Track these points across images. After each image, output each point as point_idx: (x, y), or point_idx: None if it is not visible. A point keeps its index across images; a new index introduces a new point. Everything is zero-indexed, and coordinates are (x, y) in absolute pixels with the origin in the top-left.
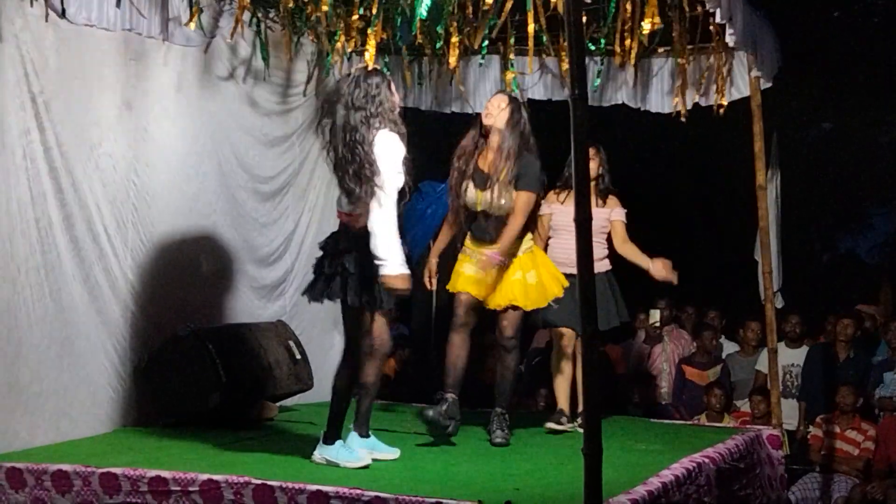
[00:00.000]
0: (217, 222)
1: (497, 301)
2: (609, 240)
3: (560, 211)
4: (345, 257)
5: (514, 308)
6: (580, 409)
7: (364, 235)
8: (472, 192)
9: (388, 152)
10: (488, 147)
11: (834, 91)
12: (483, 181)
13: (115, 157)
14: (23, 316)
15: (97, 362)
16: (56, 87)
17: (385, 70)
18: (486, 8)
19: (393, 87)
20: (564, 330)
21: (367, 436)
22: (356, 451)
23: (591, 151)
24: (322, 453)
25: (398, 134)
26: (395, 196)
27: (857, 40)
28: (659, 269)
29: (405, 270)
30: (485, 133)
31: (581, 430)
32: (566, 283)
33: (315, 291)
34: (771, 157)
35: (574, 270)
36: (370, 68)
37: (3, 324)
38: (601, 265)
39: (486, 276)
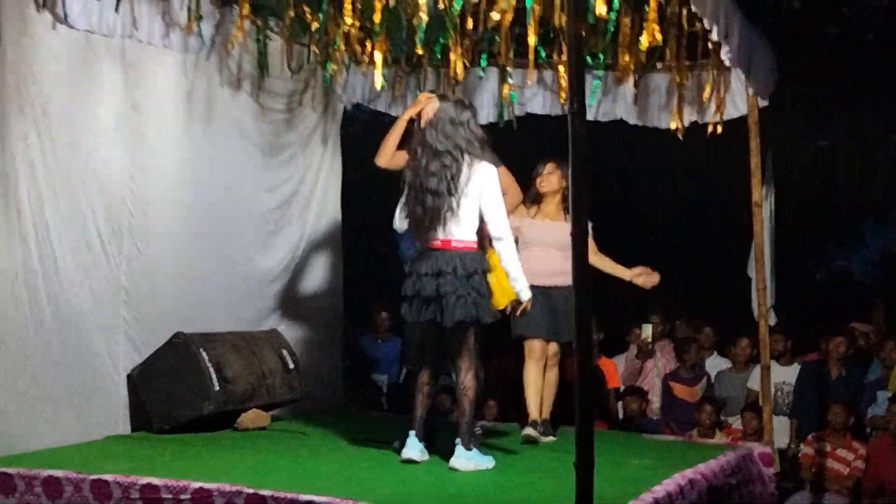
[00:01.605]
0: (216, 230)
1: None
2: None
3: (531, 224)
4: (448, 278)
5: None
6: (541, 417)
7: (461, 256)
8: None
9: (495, 184)
10: None
11: (830, 108)
12: None
13: (111, 164)
14: (20, 321)
15: (93, 368)
16: (54, 93)
17: (383, 84)
18: (493, 25)
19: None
20: (535, 342)
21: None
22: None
23: (551, 166)
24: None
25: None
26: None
27: (854, 58)
28: (639, 276)
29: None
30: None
31: (544, 439)
32: (513, 297)
33: (421, 312)
34: (766, 173)
35: (547, 282)
36: (458, 99)
37: (4, 329)
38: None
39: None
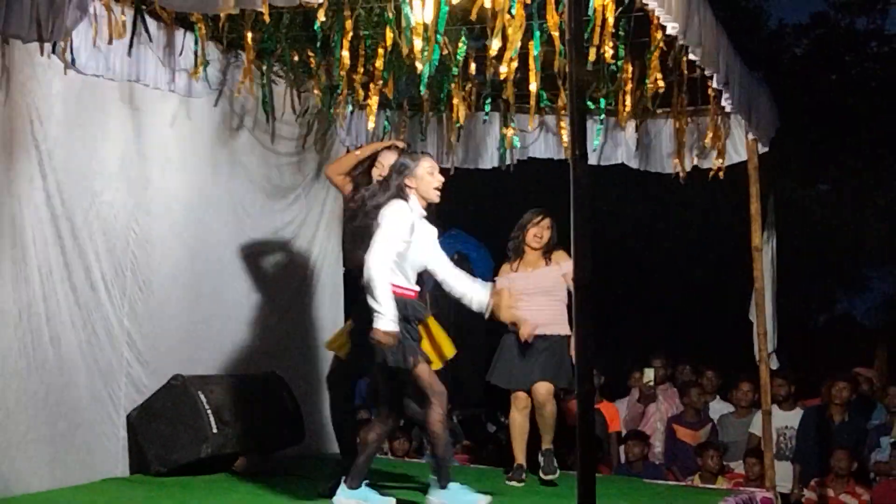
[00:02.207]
0: (219, 272)
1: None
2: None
3: (518, 278)
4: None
5: None
6: (543, 447)
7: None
8: None
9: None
10: None
11: (830, 153)
12: None
13: (116, 206)
14: (22, 362)
15: (93, 410)
16: (60, 136)
17: (386, 125)
18: (504, 76)
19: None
20: (520, 392)
21: (358, 487)
22: (471, 494)
23: (549, 221)
24: (440, 498)
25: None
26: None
27: (854, 103)
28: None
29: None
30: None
31: (544, 476)
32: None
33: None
34: (768, 218)
35: (545, 331)
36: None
37: (7, 369)
38: (561, 328)
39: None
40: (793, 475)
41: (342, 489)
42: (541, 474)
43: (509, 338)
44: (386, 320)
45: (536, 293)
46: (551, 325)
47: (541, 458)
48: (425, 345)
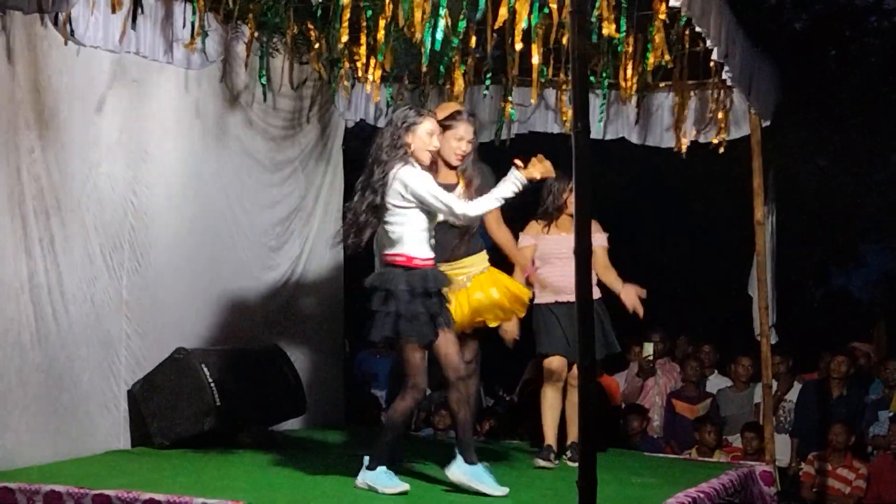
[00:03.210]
0: (218, 245)
1: (464, 323)
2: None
3: (546, 240)
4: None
5: (473, 334)
6: (569, 440)
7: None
8: None
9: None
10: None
11: (830, 129)
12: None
13: (114, 178)
14: (26, 335)
15: (94, 383)
16: (60, 107)
17: (389, 100)
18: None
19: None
20: (556, 359)
21: (475, 462)
22: (395, 477)
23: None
24: (364, 478)
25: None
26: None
27: (855, 79)
28: (629, 294)
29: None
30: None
31: (571, 464)
32: (525, 303)
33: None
34: (768, 192)
35: (571, 298)
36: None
37: (8, 342)
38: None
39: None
40: (791, 449)
41: (363, 468)
42: (568, 462)
43: (543, 308)
44: (510, 186)
45: (571, 258)
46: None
47: (568, 452)
48: (462, 302)
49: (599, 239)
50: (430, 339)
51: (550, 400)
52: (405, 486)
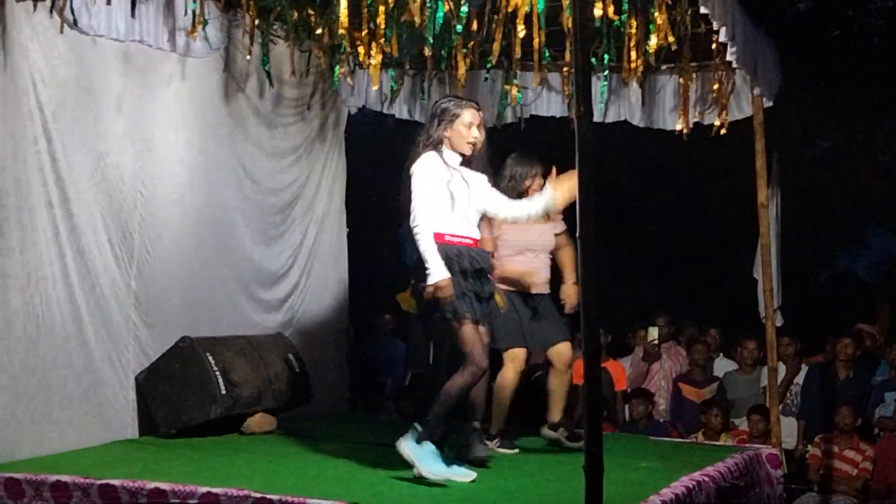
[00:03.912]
0: (224, 234)
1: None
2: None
3: (513, 230)
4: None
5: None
6: (556, 418)
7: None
8: None
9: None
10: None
11: (833, 110)
12: None
13: (121, 168)
14: (33, 326)
15: (101, 373)
16: (64, 98)
17: (392, 85)
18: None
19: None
20: (519, 350)
21: (424, 441)
22: (441, 462)
23: (538, 168)
24: (409, 449)
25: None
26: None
27: (858, 60)
28: (570, 291)
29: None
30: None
31: (570, 443)
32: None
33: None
34: (772, 175)
35: (543, 290)
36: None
37: (14, 333)
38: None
39: None
40: (797, 431)
41: (409, 437)
42: (566, 441)
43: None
44: (436, 273)
45: (541, 251)
46: (547, 284)
47: (560, 430)
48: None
49: (561, 226)
50: (477, 317)
51: (512, 386)
52: (447, 475)
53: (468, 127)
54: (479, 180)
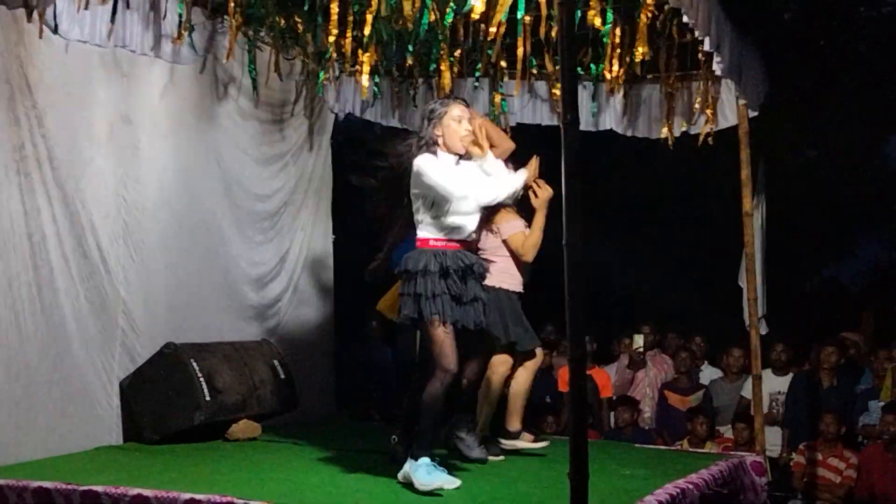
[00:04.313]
0: (210, 240)
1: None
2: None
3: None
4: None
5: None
6: (514, 427)
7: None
8: None
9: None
10: None
11: (819, 119)
12: None
13: (106, 174)
14: (14, 332)
15: (86, 378)
16: (49, 103)
17: (377, 92)
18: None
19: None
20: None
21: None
22: (435, 470)
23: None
24: (405, 471)
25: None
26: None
27: (844, 68)
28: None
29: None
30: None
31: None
32: None
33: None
34: (757, 183)
35: (496, 284)
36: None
37: None
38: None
39: None
40: (782, 439)
41: (408, 461)
42: (530, 445)
43: (501, 293)
44: (516, 180)
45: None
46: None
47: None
48: None
49: (519, 225)
50: (454, 319)
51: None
52: (441, 482)
53: (458, 121)
54: (474, 174)
